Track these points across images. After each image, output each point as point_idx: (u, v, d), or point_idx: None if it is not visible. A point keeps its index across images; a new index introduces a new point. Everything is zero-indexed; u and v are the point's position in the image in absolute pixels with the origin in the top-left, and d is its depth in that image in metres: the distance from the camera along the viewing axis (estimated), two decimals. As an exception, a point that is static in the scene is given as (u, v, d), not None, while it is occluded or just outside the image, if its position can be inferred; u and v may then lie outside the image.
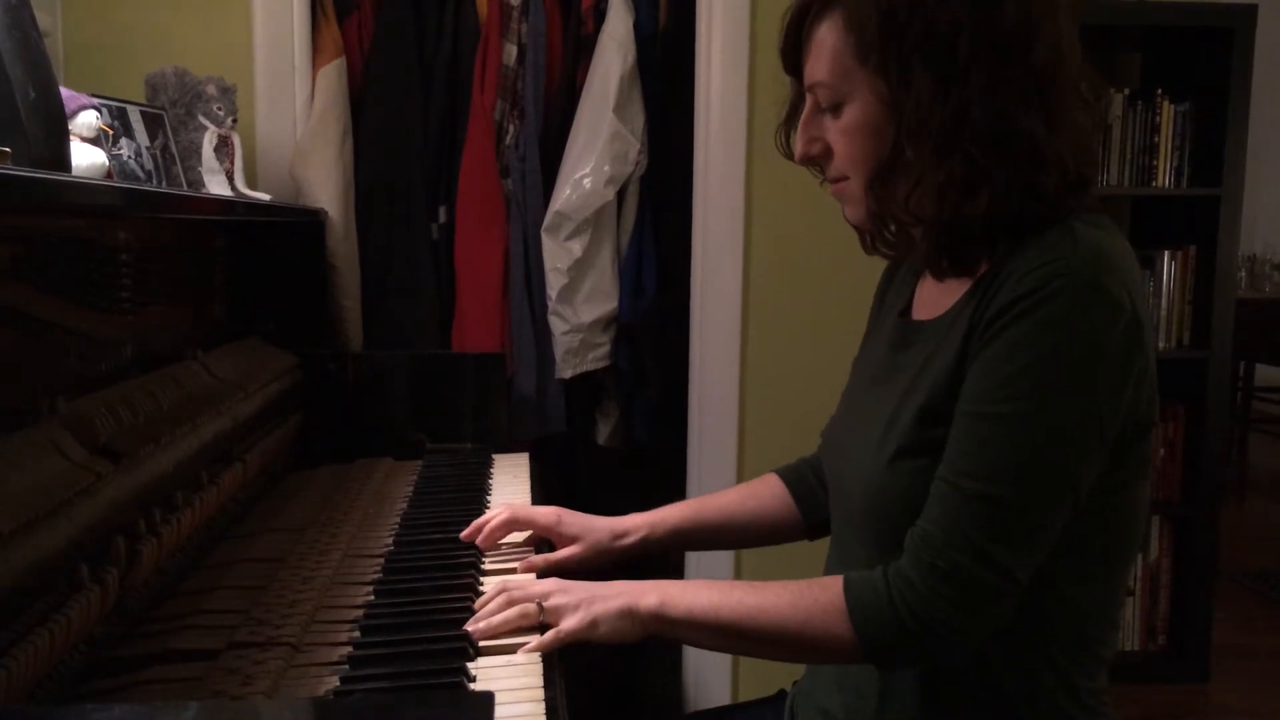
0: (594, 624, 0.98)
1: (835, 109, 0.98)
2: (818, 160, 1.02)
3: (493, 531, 1.24)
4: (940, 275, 1.00)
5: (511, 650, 0.97)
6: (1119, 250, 0.92)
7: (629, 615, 0.98)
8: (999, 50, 0.90)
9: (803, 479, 1.27)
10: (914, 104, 0.91)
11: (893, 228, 1.01)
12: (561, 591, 1.02)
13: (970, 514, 0.89)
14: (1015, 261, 0.91)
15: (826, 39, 0.96)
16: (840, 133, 0.98)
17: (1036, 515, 0.89)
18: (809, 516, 1.25)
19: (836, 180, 1.02)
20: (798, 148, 1.03)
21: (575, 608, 0.99)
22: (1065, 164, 0.92)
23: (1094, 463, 0.90)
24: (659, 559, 1.49)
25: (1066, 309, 0.87)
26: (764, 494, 1.28)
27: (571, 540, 1.22)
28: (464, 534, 1.25)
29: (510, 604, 1.01)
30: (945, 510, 0.90)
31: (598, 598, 1.00)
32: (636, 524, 1.23)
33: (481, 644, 0.98)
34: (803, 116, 1.02)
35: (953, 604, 0.89)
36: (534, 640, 0.97)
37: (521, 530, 1.27)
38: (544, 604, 1.00)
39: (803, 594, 0.96)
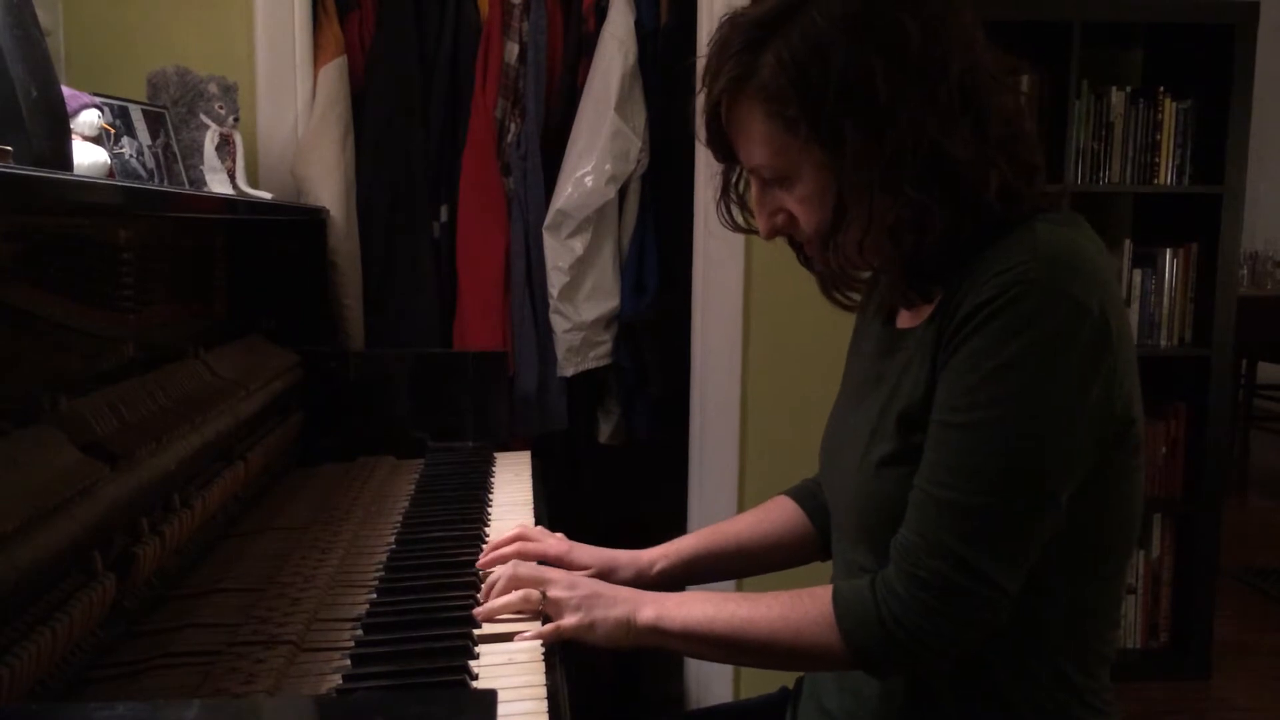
0: (590, 627, 1.01)
1: (783, 182, 0.97)
2: (785, 231, 1.01)
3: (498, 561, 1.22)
4: (909, 306, 1.01)
5: (509, 638, 1.00)
6: (1085, 250, 0.91)
7: (625, 625, 1.01)
8: (917, 77, 0.89)
9: (812, 495, 1.25)
10: (852, 162, 0.90)
11: (850, 295, 1.02)
12: (567, 586, 1.04)
13: (947, 522, 0.89)
14: (978, 267, 0.91)
15: (751, 124, 0.94)
16: (798, 203, 0.96)
17: (1015, 521, 0.89)
18: (825, 533, 1.22)
19: (809, 242, 1.00)
20: (761, 225, 1.01)
21: (576, 607, 1.02)
22: (1003, 167, 0.91)
23: (1073, 464, 0.89)
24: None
25: (1025, 315, 0.87)
26: (776, 515, 1.26)
27: (582, 569, 1.20)
28: (479, 562, 1.22)
29: (516, 583, 1.04)
30: (924, 519, 0.90)
31: (599, 602, 1.02)
32: (650, 558, 1.21)
33: (482, 626, 1.02)
34: (754, 195, 1.01)
35: (937, 613, 0.89)
36: (532, 629, 1.01)
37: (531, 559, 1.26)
38: (547, 593, 1.03)
39: (794, 605, 0.97)
